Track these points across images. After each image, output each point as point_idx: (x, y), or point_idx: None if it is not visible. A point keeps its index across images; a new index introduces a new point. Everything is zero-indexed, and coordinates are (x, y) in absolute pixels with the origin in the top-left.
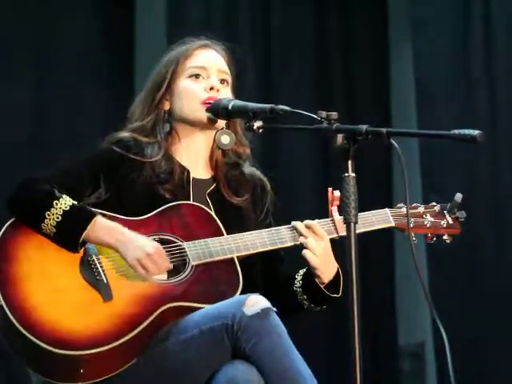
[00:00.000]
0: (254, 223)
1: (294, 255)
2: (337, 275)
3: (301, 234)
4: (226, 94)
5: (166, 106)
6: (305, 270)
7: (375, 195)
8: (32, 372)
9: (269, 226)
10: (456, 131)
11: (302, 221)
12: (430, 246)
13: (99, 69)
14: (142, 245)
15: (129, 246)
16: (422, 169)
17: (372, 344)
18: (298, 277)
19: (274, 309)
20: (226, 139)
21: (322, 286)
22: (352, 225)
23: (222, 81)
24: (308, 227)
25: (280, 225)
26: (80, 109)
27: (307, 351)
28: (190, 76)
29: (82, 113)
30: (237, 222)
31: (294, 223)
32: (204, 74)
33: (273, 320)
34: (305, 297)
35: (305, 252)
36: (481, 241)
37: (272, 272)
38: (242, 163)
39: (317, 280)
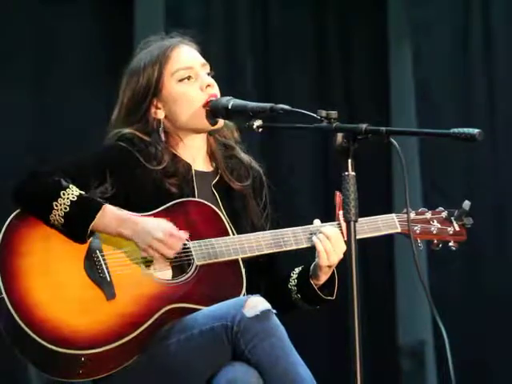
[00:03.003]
0: (257, 211)
1: (291, 254)
2: (332, 276)
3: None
4: (216, 85)
5: (160, 115)
6: (300, 268)
7: (375, 195)
8: (29, 364)
9: (268, 215)
10: (455, 130)
11: (303, 219)
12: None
13: (99, 69)
14: (151, 231)
15: (140, 234)
16: (422, 168)
17: (372, 343)
18: (294, 275)
19: (274, 311)
20: None
21: (316, 287)
22: (352, 224)
23: (208, 73)
24: (329, 238)
25: (278, 212)
26: (80, 109)
27: (307, 353)
28: (181, 80)
29: (82, 113)
30: (243, 211)
31: (317, 237)
32: (192, 73)
33: (273, 322)
34: (299, 296)
35: (320, 251)
36: (481, 240)
37: (269, 270)
38: (234, 146)
39: (312, 281)
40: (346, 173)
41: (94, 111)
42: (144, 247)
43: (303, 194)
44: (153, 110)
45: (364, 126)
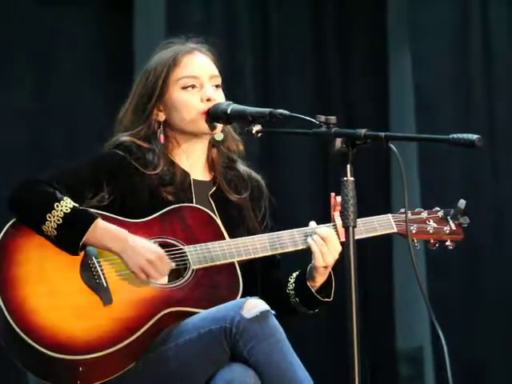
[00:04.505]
0: (255, 222)
1: (290, 258)
2: (329, 278)
3: (315, 242)
4: (220, 98)
5: (161, 117)
6: (297, 272)
7: (374, 200)
8: (28, 372)
9: (267, 227)
10: (454, 135)
11: (301, 225)
12: (429, 250)
13: (99, 71)
14: (142, 251)
15: (129, 252)
16: (421, 174)
17: (371, 348)
18: (291, 279)
19: (273, 312)
20: (219, 136)
21: (313, 290)
22: (351, 229)
23: (215, 86)
24: (324, 239)
25: (277, 223)
26: (79, 111)
27: (306, 355)
28: (184, 87)
29: (81, 115)
30: (240, 222)
31: (311, 238)
32: (197, 82)
33: (271, 323)
34: (297, 299)
35: (315, 252)
36: (479, 245)
37: (268, 275)
38: (236, 159)
39: (309, 283)
40: (345, 178)
41: (94, 112)
42: (133, 266)
43: (302, 200)
44: (155, 111)
45: (363, 131)
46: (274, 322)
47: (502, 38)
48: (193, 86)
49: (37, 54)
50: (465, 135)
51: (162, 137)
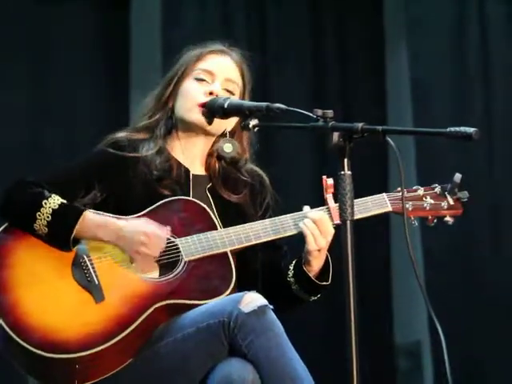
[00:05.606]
0: (254, 218)
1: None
2: (326, 262)
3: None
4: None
5: (171, 103)
6: (296, 259)
7: (371, 194)
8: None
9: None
10: (451, 129)
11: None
12: (426, 245)
13: (96, 69)
14: (132, 234)
15: (121, 239)
16: (418, 168)
17: (369, 342)
18: (291, 267)
19: (271, 306)
20: (228, 147)
21: (310, 274)
22: (348, 222)
23: (227, 90)
24: (315, 222)
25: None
26: (79, 111)
27: (304, 349)
28: (195, 78)
29: (81, 115)
30: (238, 217)
31: (303, 222)
32: (209, 78)
33: (269, 318)
34: (297, 286)
35: (307, 236)
36: (477, 239)
37: (272, 265)
38: (240, 165)
39: (306, 268)
40: (342, 172)
41: (91, 111)
42: (129, 252)
43: (300, 195)
44: (170, 98)
45: (360, 125)
46: (272, 316)
47: (500, 34)
48: (203, 80)
49: (37, 54)
50: (462, 128)
51: (170, 122)
